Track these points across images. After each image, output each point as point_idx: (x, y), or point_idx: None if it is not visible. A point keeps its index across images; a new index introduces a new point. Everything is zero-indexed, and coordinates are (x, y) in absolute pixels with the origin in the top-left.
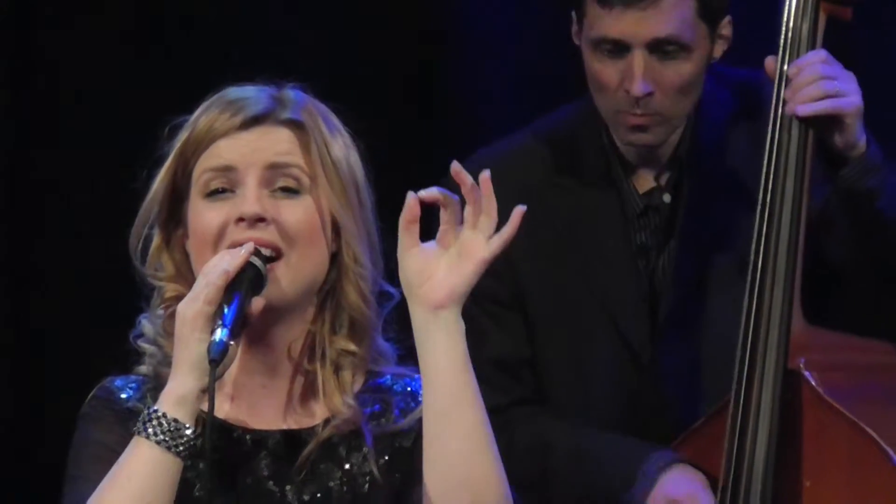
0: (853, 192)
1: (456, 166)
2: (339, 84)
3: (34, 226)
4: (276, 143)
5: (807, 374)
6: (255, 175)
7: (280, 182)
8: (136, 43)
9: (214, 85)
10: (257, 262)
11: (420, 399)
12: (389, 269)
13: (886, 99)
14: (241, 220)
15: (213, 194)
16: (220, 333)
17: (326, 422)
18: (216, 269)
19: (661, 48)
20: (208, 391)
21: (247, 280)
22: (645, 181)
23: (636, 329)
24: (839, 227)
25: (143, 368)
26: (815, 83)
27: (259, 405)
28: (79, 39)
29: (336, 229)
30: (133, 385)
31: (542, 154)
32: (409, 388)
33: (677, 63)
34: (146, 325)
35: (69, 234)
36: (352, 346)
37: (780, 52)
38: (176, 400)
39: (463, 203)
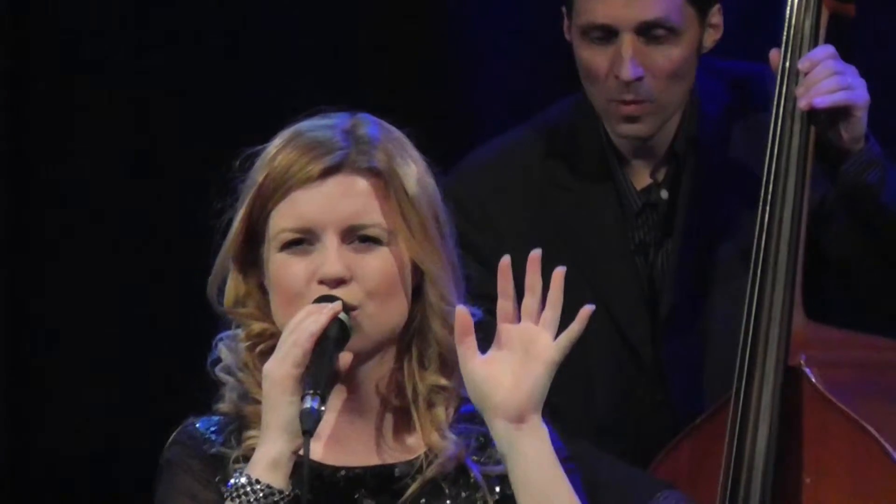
0: (855, 187)
1: (505, 262)
2: (340, 85)
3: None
4: (355, 198)
5: (808, 370)
6: (333, 234)
7: (359, 235)
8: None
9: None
10: (343, 316)
11: None
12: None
13: (884, 93)
14: (321, 281)
15: (290, 245)
16: (310, 401)
17: (425, 456)
18: (303, 331)
19: (649, 32)
20: (304, 463)
21: (333, 338)
22: (642, 177)
23: (636, 326)
24: (839, 224)
25: (223, 406)
26: (829, 77)
27: (348, 442)
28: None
29: (419, 267)
30: (214, 428)
31: (539, 150)
32: None
33: (667, 47)
34: (225, 351)
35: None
36: (443, 381)
37: (783, 48)
38: (268, 465)
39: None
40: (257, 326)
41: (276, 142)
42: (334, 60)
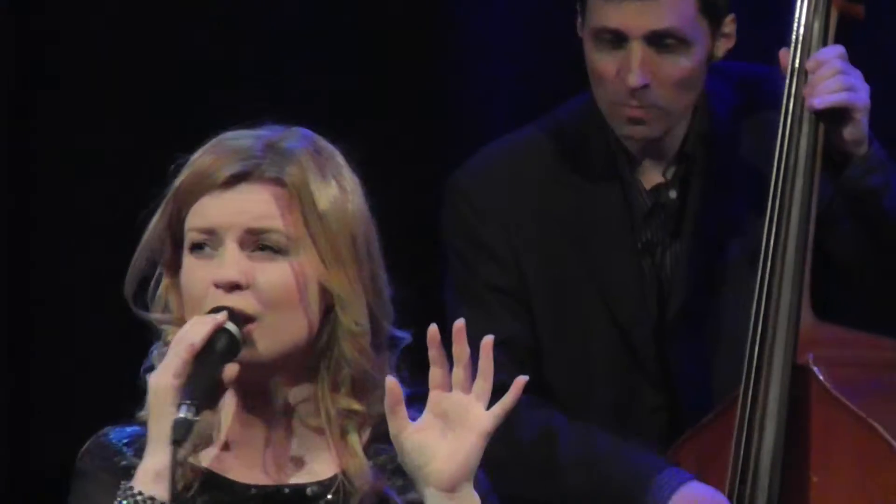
0: (858, 191)
1: (433, 331)
2: (340, 86)
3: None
4: (257, 205)
5: (815, 369)
6: (234, 239)
7: (260, 243)
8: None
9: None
10: (231, 326)
11: None
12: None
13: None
14: (216, 284)
15: (197, 249)
16: (184, 411)
17: (341, 482)
18: (184, 341)
19: (659, 41)
20: (170, 473)
21: (218, 349)
22: (651, 177)
23: (639, 327)
24: (843, 228)
25: (143, 415)
26: (832, 77)
27: (261, 459)
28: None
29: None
30: (126, 440)
31: (548, 150)
32: None
33: (675, 57)
34: (157, 358)
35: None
36: (355, 405)
37: (792, 50)
38: (151, 476)
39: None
40: (174, 332)
41: (202, 148)
42: (336, 62)
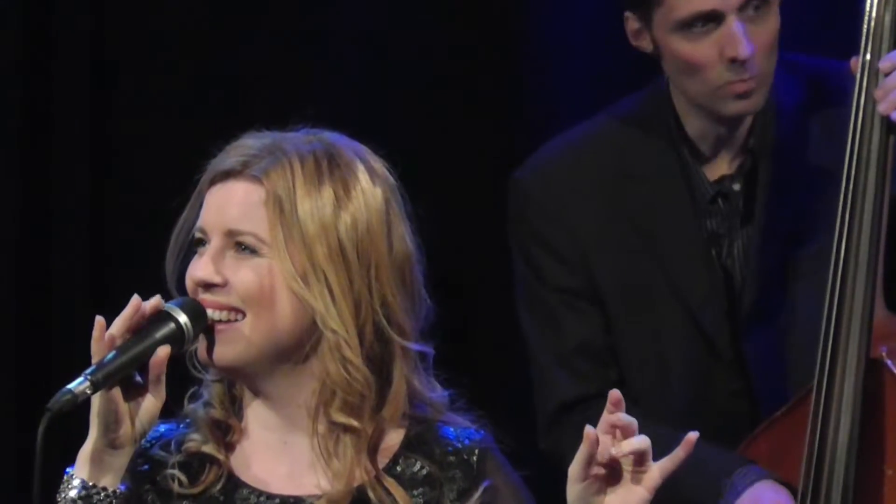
0: None
1: (616, 394)
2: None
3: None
4: (237, 204)
5: (889, 362)
6: (215, 238)
7: (238, 242)
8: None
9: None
10: (182, 317)
11: (480, 472)
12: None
13: None
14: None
15: (200, 245)
16: (74, 384)
17: (357, 492)
18: (105, 325)
19: (749, 7)
20: (37, 446)
21: (158, 334)
22: (715, 169)
23: (711, 317)
24: None
25: (189, 407)
26: None
27: (284, 465)
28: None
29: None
30: (153, 438)
31: (609, 144)
32: (465, 457)
33: (766, 18)
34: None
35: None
36: (352, 421)
37: (863, 43)
38: (83, 458)
39: None
40: None
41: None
42: (417, 59)
